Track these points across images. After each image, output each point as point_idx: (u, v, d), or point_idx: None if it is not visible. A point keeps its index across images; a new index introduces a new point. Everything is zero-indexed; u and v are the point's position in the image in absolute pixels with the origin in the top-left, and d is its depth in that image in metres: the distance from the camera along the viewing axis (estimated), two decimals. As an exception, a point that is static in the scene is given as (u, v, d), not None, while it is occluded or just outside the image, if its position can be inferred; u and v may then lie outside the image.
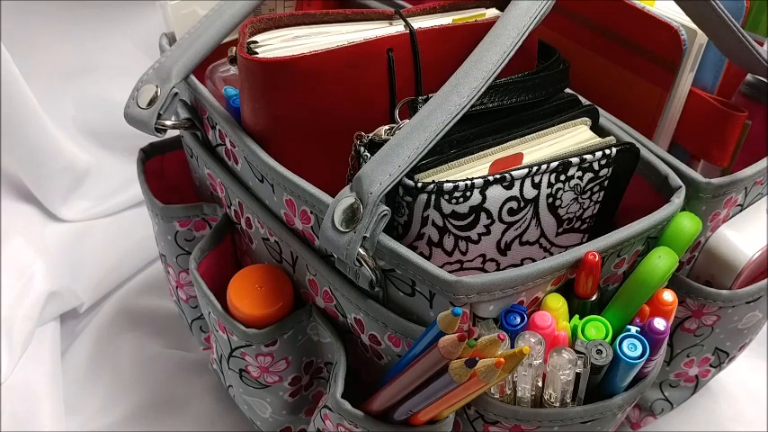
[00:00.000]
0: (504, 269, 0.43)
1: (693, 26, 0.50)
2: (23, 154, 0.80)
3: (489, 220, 0.40)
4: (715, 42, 0.50)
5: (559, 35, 0.60)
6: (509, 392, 0.41)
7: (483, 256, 0.42)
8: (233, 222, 0.54)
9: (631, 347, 0.39)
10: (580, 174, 0.42)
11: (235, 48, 0.45)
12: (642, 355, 0.38)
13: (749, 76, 0.55)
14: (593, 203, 0.44)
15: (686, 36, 0.51)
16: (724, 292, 0.49)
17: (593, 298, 0.41)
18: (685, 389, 0.59)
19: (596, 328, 0.40)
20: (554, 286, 0.41)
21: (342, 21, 0.48)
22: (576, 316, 0.41)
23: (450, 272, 0.40)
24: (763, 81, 0.54)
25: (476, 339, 0.34)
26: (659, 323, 0.39)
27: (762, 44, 0.51)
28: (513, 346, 0.39)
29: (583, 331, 0.40)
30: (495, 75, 0.40)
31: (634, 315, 0.41)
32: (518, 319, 0.39)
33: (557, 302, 0.40)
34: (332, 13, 0.48)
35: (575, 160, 0.41)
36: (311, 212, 0.43)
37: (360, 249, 0.37)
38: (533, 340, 0.38)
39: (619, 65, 0.56)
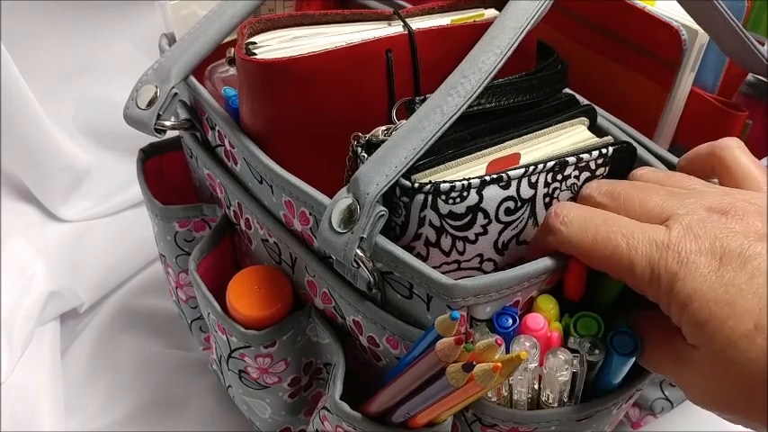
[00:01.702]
0: (501, 269, 0.43)
1: (694, 26, 0.50)
2: (23, 154, 0.80)
3: (486, 220, 0.40)
4: (716, 42, 0.50)
5: (560, 35, 0.60)
6: (506, 395, 0.41)
7: (480, 255, 0.41)
8: (232, 223, 0.54)
9: (623, 343, 0.39)
10: (577, 173, 0.42)
11: (233, 49, 0.45)
12: (634, 351, 0.38)
13: (750, 76, 0.55)
14: (591, 204, 0.44)
15: (687, 36, 0.51)
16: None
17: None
18: (686, 389, 0.59)
19: (588, 325, 0.40)
20: (549, 285, 0.41)
21: (340, 21, 0.48)
22: (567, 315, 0.41)
23: (447, 272, 0.40)
24: (763, 81, 0.54)
25: (472, 342, 0.34)
26: None
27: (763, 44, 0.51)
28: (507, 348, 0.39)
29: (575, 328, 0.40)
30: (492, 75, 0.40)
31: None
32: (510, 321, 0.39)
33: (548, 304, 0.40)
34: (331, 14, 0.48)
35: (571, 160, 0.41)
36: (310, 214, 0.43)
37: (357, 250, 0.37)
38: (528, 344, 0.38)
39: (619, 64, 0.56)
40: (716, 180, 0.41)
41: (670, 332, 0.36)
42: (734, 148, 0.40)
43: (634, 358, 0.39)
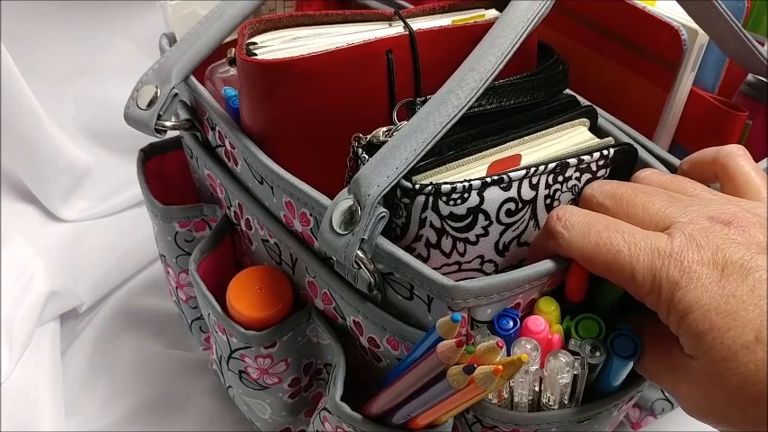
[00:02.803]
0: (502, 270, 0.43)
1: (694, 26, 0.50)
2: (23, 154, 0.80)
3: (487, 222, 0.40)
4: (716, 42, 0.50)
5: (561, 35, 0.60)
6: (506, 397, 0.41)
7: (481, 257, 0.41)
8: (233, 223, 0.54)
9: (623, 346, 0.39)
10: (578, 175, 0.42)
11: (234, 49, 0.45)
12: (634, 353, 0.38)
13: (750, 76, 0.55)
14: (591, 205, 0.44)
15: (687, 36, 0.51)
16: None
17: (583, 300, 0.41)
18: (686, 389, 0.59)
19: (589, 327, 0.40)
20: (550, 287, 0.41)
21: (341, 22, 0.48)
22: (568, 317, 0.41)
23: (448, 273, 0.40)
24: (763, 81, 0.54)
25: (473, 344, 0.34)
26: None
27: (763, 44, 0.51)
28: (508, 351, 0.39)
29: (577, 330, 0.40)
30: (492, 76, 0.40)
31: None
32: (510, 324, 0.39)
33: (549, 306, 0.40)
34: (331, 15, 0.48)
35: (572, 161, 0.41)
36: (310, 215, 0.43)
37: (358, 252, 0.37)
38: (529, 347, 0.38)
39: (620, 65, 0.56)
40: (717, 185, 0.41)
41: (667, 341, 0.36)
42: (738, 156, 0.40)
43: (633, 361, 0.39)
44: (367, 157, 0.40)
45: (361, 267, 0.38)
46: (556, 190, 0.42)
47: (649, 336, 0.38)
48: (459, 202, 0.39)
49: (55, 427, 0.65)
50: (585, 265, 0.37)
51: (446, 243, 0.40)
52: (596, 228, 0.37)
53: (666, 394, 0.59)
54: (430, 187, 0.38)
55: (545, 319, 0.39)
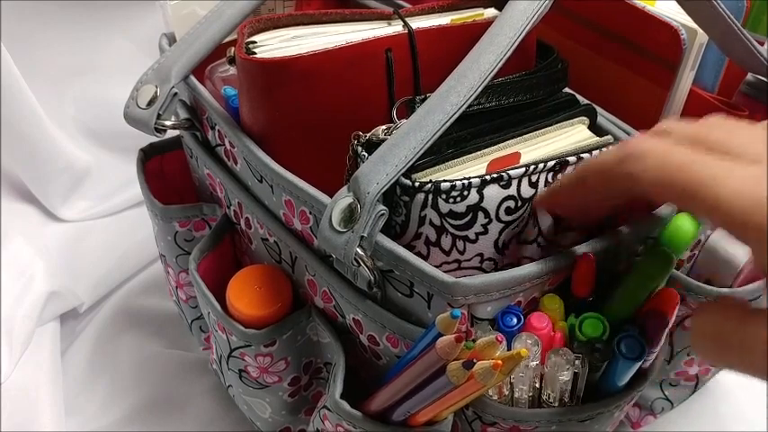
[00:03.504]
0: (502, 268, 0.43)
1: (694, 25, 0.50)
2: (23, 154, 0.80)
3: (487, 220, 0.40)
4: (716, 42, 0.50)
5: (560, 35, 0.60)
6: (507, 393, 0.41)
7: (481, 255, 0.41)
8: (232, 223, 0.54)
9: (630, 347, 0.39)
10: (578, 173, 0.42)
11: (233, 48, 0.46)
12: (640, 355, 0.38)
13: (750, 76, 0.55)
14: (591, 203, 0.44)
15: (686, 35, 0.51)
16: (724, 290, 0.49)
17: (590, 298, 0.41)
18: (686, 388, 0.59)
19: (593, 326, 0.40)
20: (551, 286, 0.41)
21: (340, 21, 0.48)
22: (572, 315, 0.41)
23: (447, 271, 0.40)
24: (763, 80, 0.54)
25: (473, 341, 0.34)
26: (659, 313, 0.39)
27: (762, 44, 0.51)
28: (510, 348, 0.39)
29: (580, 328, 0.40)
30: (491, 75, 0.40)
31: (633, 313, 0.41)
32: (514, 320, 0.39)
33: (553, 303, 0.40)
34: (330, 14, 0.48)
35: (572, 159, 0.41)
36: (310, 213, 0.43)
37: (357, 249, 0.37)
38: (530, 342, 0.38)
39: (619, 65, 0.56)
40: None
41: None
42: None
43: (640, 362, 0.38)
44: (366, 155, 0.40)
45: (360, 265, 0.38)
46: (555, 188, 0.42)
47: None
48: (458, 199, 0.39)
49: (55, 427, 0.65)
50: (659, 191, 0.33)
51: (446, 241, 0.40)
52: (680, 149, 0.33)
53: (666, 393, 0.59)
54: (429, 185, 0.38)
55: (548, 316, 0.39)
